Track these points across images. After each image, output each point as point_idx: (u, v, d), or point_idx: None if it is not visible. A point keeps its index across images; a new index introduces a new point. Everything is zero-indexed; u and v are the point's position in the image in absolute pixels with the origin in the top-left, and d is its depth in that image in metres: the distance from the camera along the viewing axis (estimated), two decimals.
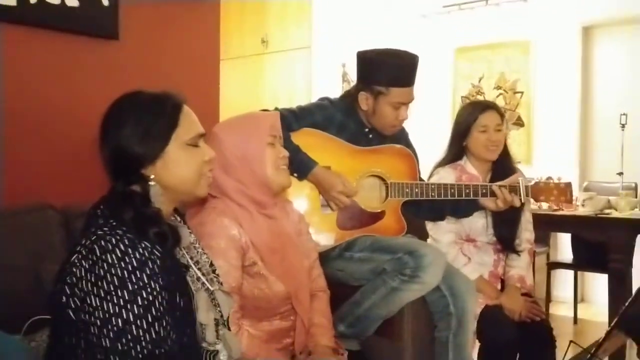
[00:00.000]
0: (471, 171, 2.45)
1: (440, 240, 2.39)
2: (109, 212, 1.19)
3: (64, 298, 1.13)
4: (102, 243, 1.12)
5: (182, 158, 1.26)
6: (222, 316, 1.35)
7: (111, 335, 1.08)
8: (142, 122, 1.23)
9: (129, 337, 1.08)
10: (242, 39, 5.15)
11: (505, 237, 2.41)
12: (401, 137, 2.33)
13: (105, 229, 1.15)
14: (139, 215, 1.18)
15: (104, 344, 1.08)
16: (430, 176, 2.49)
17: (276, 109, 2.13)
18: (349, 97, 2.24)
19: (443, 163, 2.50)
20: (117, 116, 1.25)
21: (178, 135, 1.26)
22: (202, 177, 1.31)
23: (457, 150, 2.48)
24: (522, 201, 2.22)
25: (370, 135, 2.24)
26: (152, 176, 1.23)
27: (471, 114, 2.44)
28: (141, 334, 1.08)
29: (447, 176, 2.42)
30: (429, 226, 2.45)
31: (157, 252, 1.16)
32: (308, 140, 2.10)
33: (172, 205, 1.31)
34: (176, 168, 1.26)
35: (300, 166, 2.06)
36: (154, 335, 1.09)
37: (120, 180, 1.23)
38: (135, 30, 2.45)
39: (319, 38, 4.82)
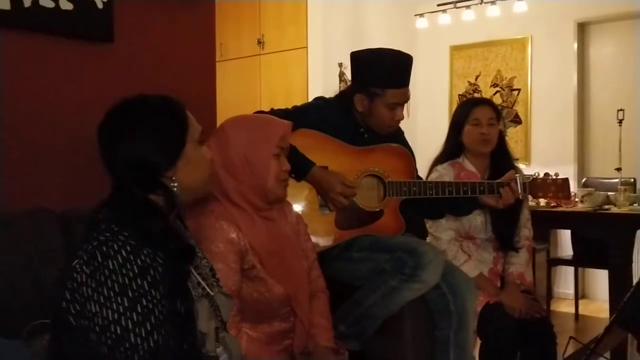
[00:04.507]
0: (469, 168, 2.46)
1: (440, 237, 2.39)
2: (112, 217, 1.18)
3: (64, 303, 1.12)
4: (104, 249, 1.11)
5: (197, 157, 1.28)
6: (222, 320, 1.34)
7: (109, 342, 1.07)
8: (158, 127, 1.23)
9: (127, 345, 1.07)
10: (239, 40, 5.13)
11: (504, 235, 2.43)
12: (397, 137, 2.32)
13: (107, 234, 1.14)
14: (163, 229, 1.18)
15: (102, 350, 1.07)
16: (429, 173, 2.50)
17: (272, 109, 2.13)
18: (345, 98, 2.24)
19: (440, 159, 2.52)
20: (128, 125, 1.23)
21: (190, 135, 1.27)
22: (210, 174, 1.33)
23: (453, 145, 2.50)
24: (520, 197, 2.22)
25: (366, 135, 2.24)
26: (174, 178, 1.23)
27: (465, 109, 2.49)
28: (139, 342, 1.08)
29: (445, 173, 2.44)
30: (429, 224, 2.46)
31: (159, 259, 1.15)
32: (305, 140, 2.09)
33: (181, 207, 1.31)
34: (193, 168, 1.27)
35: (297, 167, 2.05)
36: (151, 344, 1.09)
37: (139, 189, 1.21)
38: (130, 33, 2.44)
39: (315, 38, 4.81)
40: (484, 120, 2.41)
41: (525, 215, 2.49)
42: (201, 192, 1.34)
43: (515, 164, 2.52)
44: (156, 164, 1.22)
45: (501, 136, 2.49)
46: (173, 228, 1.23)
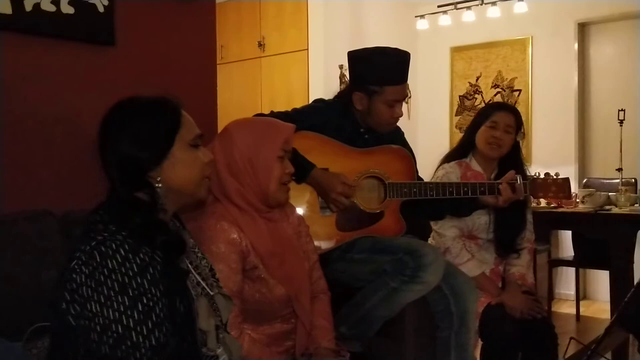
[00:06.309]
0: (476, 168, 2.45)
1: (445, 234, 2.39)
2: (109, 218, 1.18)
3: (64, 304, 1.12)
4: (103, 249, 1.11)
5: (187, 159, 1.27)
6: (221, 320, 1.34)
7: (110, 341, 1.07)
8: (145, 125, 1.23)
9: (129, 343, 1.07)
10: (239, 42, 5.14)
11: (504, 239, 2.41)
12: (397, 137, 2.33)
13: (105, 234, 1.14)
14: (147, 223, 1.18)
15: (103, 350, 1.07)
16: (436, 170, 2.50)
17: (271, 112, 2.13)
18: (344, 98, 2.24)
19: (449, 157, 2.51)
20: (118, 123, 1.24)
21: (181, 136, 1.26)
22: (204, 178, 1.31)
23: (466, 144, 2.49)
24: (522, 197, 2.23)
25: (367, 136, 2.24)
26: (159, 178, 1.23)
27: (487, 110, 2.48)
28: (141, 340, 1.08)
29: (452, 171, 2.43)
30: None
31: (157, 258, 1.15)
32: (305, 142, 2.09)
33: (173, 209, 1.31)
34: (182, 169, 1.26)
35: (298, 169, 2.05)
36: (153, 342, 1.09)
37: (125, 186, 1.21)
38: (131, 36, 2.45)
39: (315, 40, 4.81)
40: (501, 124, 2.38)
41: (528, 219, 2.48)
42: (192, 195, 1.31)
43: (527, 173, 2.41)
44: (140, 162, 1.22)
45: (516, 146, 2.45)
46: (160, 222, 1.22)
